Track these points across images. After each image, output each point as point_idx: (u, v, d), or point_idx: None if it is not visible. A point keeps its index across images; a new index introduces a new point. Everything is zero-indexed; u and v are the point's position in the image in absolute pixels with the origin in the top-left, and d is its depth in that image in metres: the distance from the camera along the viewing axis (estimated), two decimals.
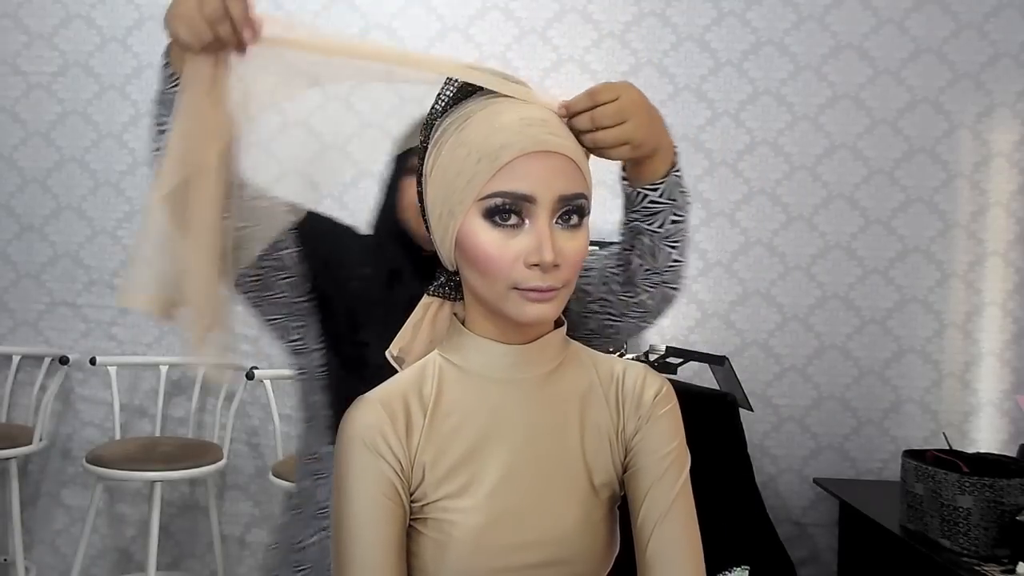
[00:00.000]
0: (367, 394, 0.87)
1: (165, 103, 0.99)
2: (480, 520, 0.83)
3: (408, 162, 1.17)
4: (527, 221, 0.80)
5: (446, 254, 0.85)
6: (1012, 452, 2.52)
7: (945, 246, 2.89)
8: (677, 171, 0.98)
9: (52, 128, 2.94)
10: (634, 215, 1.00)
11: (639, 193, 0.97)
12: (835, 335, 2.89)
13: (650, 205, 0.97)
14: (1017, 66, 2.88)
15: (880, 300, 2.89)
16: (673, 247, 1.02)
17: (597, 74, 2.90)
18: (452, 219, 0.81)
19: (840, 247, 2.89)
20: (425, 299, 0.92)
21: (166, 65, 0.99)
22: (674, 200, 0.98)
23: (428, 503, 0.84)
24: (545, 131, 0.80)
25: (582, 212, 0.82)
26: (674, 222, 1.00)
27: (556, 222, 0.80)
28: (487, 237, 0.79)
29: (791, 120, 2.89)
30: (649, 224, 0.99)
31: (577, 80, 2.89)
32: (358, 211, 2.86)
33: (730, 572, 1.48)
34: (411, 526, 0.85)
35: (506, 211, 0.79)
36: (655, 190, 0.96)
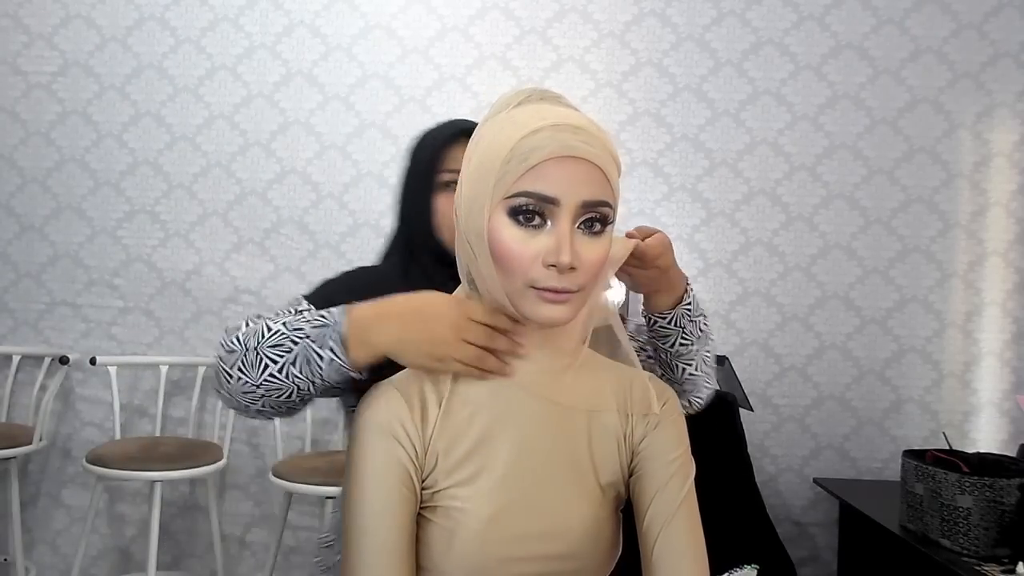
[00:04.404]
0: (384, 382, 0.89)
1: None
2: (488, 510, 0.84)
3: (437, 179, 1.17)
4: (549, 223, 0.81)
5: (471, 250, 0.86)
6: (1012, 452, 2.52)
7: (945, 246, 2.88)
8: (687, 305, 1.10)
9: (52, 128, 2.94)
10: (651, 335, 1.15)
11: (651, 319, 1.12)
12: (835, 335, 2.89)
13: (660, 329, 1.11)
14: (1017, 66, 2.88)
15: (880, 300, 2.89)
16: (687, 364, 1.14)
17: (597, 74, 2.90)
18: (480, 215, 0.83)
19: (840, 247, 2.89)
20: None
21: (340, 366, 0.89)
22: (682, 327, 1.11)
23: (438, 490, 0.86)
24: (577, 137, 0.81)
25: (605, 220, 0.84)
26: (683, 344, 1.12)
27: (579, 227, 0.82)
28: (509, 233, 0.81)
29: (791, 120, 2.89)
30: (663, 343, 1.13)
31: (577, 80, 2.89)
32: (358, 211, 2.87)
33: (739, 569, 1.47)
34: (420, 514, 0.86)
35: (530, 211, 0.81)
36: (664, 318, 1.10)
